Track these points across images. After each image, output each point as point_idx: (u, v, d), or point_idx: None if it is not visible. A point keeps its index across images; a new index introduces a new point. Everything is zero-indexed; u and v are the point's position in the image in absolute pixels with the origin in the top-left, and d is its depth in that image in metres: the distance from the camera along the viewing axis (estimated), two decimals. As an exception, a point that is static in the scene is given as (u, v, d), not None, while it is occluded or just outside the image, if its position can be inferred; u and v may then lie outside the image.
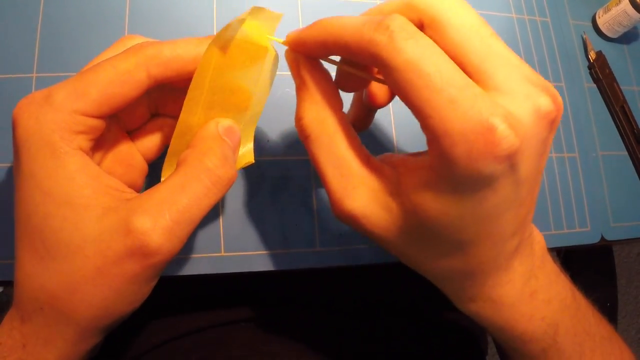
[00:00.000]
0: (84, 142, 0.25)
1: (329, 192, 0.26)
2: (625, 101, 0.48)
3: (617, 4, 0.49)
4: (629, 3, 0.48)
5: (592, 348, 0.29)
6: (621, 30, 0.51)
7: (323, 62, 0.27)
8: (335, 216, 0.26)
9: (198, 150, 0.26)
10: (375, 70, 0.29)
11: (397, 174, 0.25)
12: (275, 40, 0.28)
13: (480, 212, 0.22)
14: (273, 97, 0.39)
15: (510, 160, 0.20)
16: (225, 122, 0.28)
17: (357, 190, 0.25)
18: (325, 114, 0.25)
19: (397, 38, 0.20)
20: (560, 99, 0.22)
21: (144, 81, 0.25)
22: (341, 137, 0.25)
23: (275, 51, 0.29)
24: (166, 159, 0.28)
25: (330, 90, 0.26)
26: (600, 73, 0.49)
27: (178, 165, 0.26)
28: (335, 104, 0.26)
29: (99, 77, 0.25)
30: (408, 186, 0.23)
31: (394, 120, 0.41)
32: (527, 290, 0.27)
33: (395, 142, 0.41)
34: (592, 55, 0.50)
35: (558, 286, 0.29)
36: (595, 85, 0.50)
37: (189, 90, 0.26)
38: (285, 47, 0.27)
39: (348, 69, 0.27)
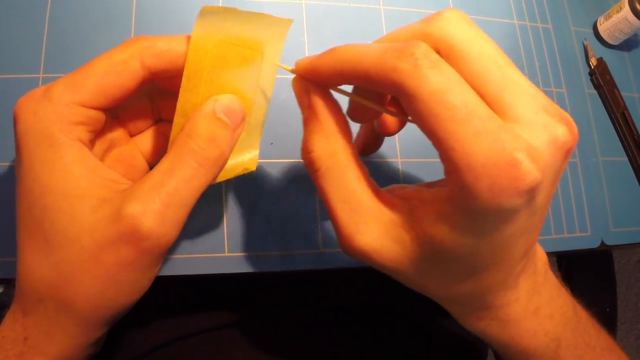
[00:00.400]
0: (83, 133, 0.26)
1: (338, 228, 0.25)
2: (625, 107, 0.49)
3: (618, 11, 0.49)
4: (629, 10, 0.48)
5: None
6: (622, 37, 0.51)
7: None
8: (343, 251, 0.26)
9: (185, 132, 0.26)
10: (388, 99, 0.29)
11: (411, 206, 0.24)
12: (283, 67, 0.27)
13: (497, 242, 0.22)
14: (276, 100, 0.40)
15: (531, 194, 0.20)
16: (224, 100, 0.27)
17: (368, 226, 0.24)
18: (337, 146, 0.25)
19: (422, 66, 0.20)
20: (576, 128, 0.22)
21: (139, 71, 0.26)
22: (352, 170, 0.25)
23: (276, 59, 0.29)
24: (170, 138, 0.28)
25: (341, 121, 0.25)
26: (601, 79, 0.49)
27: (167, 149, 0.26)
28: (346, 135, 0.25)
29: (95, 69, 0.25)
30: (423, 219, 0.23)
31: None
32: (531, 306, 0.27)
33: (398, 148, 0.41)
34: (593, 61, 0.50)
35: (560, 300, 0.29)
36: (596, 91, 0.50)
37: (181, 90, 0.26)
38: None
39: (360, 100, 0.27)
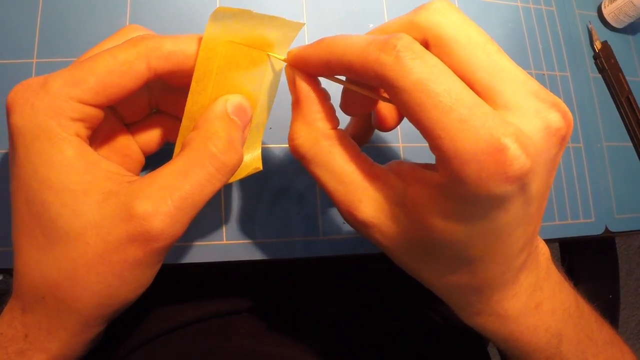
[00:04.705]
0: (81, 129, 0.25)
1: (336, 205, 0.26)
2: (630, 92, 0.48)
3: (623, -6, 0.48)
4: (635, -8, 0.47)
5: (595, 354, 0.29)
6: (627, 21, 0.50)
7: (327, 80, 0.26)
8: (348, 224, 0.26)
9: (203, 133, 0.25)
10: (381, 90, 0.28)
11: (404, 183, 0.24)
12: (275, 56, 0.27)
13: (490, 230, 0.22)
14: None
15: (521, 180, 0.20)
16: (235, 99, 0.27)
17: (362, 203, 0.25)
18: (318, 134, 0.25)
19: (404, 58, 0.20)
20: (570, 114, 0.22)
21: (144, 73, 0.25)
22: (339, 153, 0.25)
23: (282, 63, 0.28)
24: (177, 140, 0.28)
25: (325, 109, 0.26)
26: (606, 63, 0.49)
27: (182, 147, 0.25)
28: (329, 122, 0.26)
29: (98, 66, 0.24)
30: (416, 201, 0.23)
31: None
32: (532, 302, 0.27)
33: (399, 132, 0.41)
34: (598, 45, 0.49)
35: (562, 295, 0.29)
36: (600, 75, 0.50)
37: (190, 93, 0.25)
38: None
39: (354, 87, 0.27)
